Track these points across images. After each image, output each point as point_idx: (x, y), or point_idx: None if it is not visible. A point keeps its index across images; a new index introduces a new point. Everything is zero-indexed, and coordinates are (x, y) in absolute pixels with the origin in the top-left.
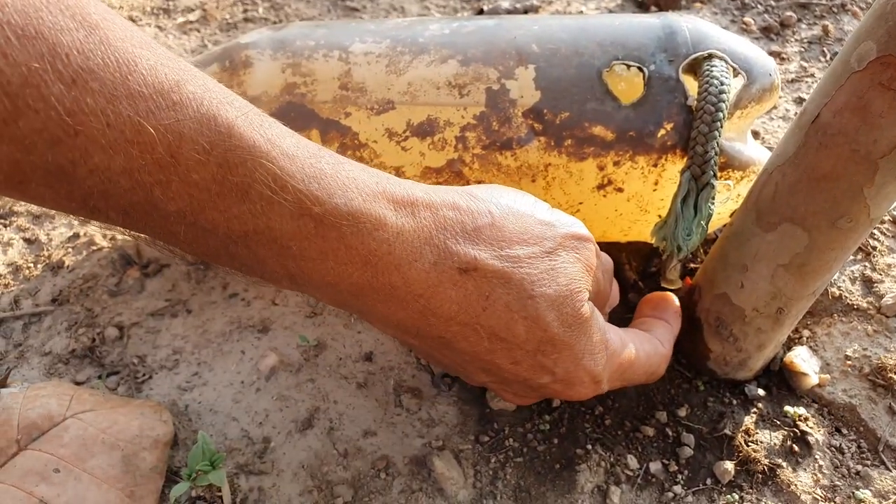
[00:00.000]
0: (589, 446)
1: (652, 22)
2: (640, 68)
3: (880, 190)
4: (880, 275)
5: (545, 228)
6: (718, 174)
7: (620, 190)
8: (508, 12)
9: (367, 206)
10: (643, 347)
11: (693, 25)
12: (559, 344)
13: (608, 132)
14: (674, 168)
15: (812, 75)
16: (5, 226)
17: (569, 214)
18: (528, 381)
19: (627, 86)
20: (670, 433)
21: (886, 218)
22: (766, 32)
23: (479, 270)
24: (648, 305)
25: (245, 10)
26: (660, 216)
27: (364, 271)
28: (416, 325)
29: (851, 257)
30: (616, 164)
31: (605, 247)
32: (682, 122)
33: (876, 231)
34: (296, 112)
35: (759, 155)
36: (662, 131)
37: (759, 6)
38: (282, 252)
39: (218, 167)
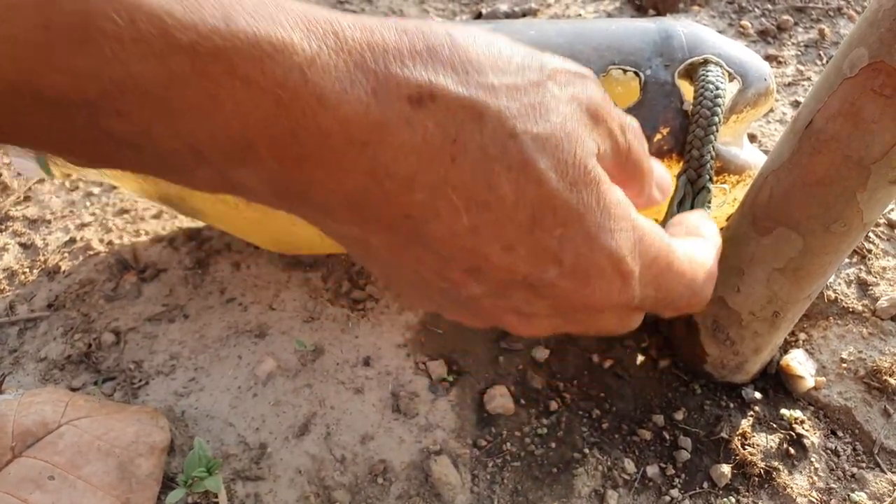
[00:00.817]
0: (586, 450)
1: (648, 27)
2: (636, 73)
3: (873, 195)
4: (875, 278)
5: (528, 58)
6: (714, 178)
7: None
8: (507, 15)
9: (260, 27)
10: (686, 248)
11: (689, 30)
12: (562, 210)
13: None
14: (670, 172)
15: (809, 79)
16: (1, 231)
17: None
18: (530, 278)
19: (624, 90)
20: (667, 436)
21: (882, 221)
22: (763, 36)
23: (437, 99)
24: (679, 227)
25: None
26: (656, 220)
27: (279, 115)
28: (370, 199)
29: (847, 260)
30: None
31: None
32: (678, 127)
33: (871, 234)
34: None
35: (755, 159)
36: (658, 136)
37: (756, 10)
38: (162, 110)
39: (36, 9)
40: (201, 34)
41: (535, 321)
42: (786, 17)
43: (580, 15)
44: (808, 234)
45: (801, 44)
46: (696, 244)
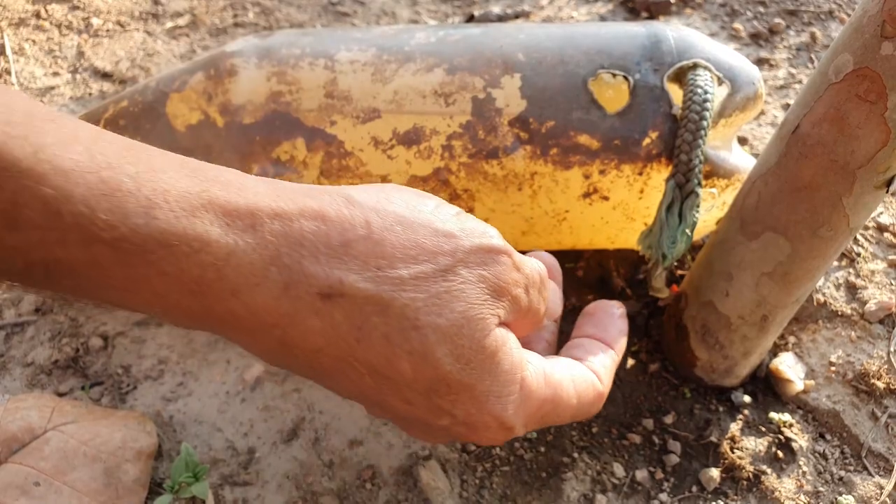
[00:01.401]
0: (575, 454)
1: (637, 30)
2: (625, 77)
3: (858, 200)
4: (864, 281)
5: (443, 241)
6: (703, 182)
7: (606, 198)
8: (500, 17)
9: (180, 224)
10: (573, 383)
11: (678, 34)
12: (455, 385)
13: (593, 141)
14: (659, 176)
15: (800, 82)
16: None
17: (482, 221)
18: (427, 422)
19: (613, 94)
20: (657, 440)
21: (871, 224)
22: (755, 39)
23: (346, 296)
24: (589, 321)
25: (235, 15)
26: (646, 224)
27: (193, 300)
28: (279, 358)
29: (836, 263)
30: (602, 172)
31: (594, 254)
32: (667, 131)
33: (860, 237)
34: (281, 120)
35: (744, 163)
36: (647, 140)
37: (748, 12)
38: (88, 283)
39: None
40: (122, 233)
41: (435, 439)
42: (777, 20)
43: (573, 17)
44: (796, 239)
45: (793, 47)
46: (588, 373)
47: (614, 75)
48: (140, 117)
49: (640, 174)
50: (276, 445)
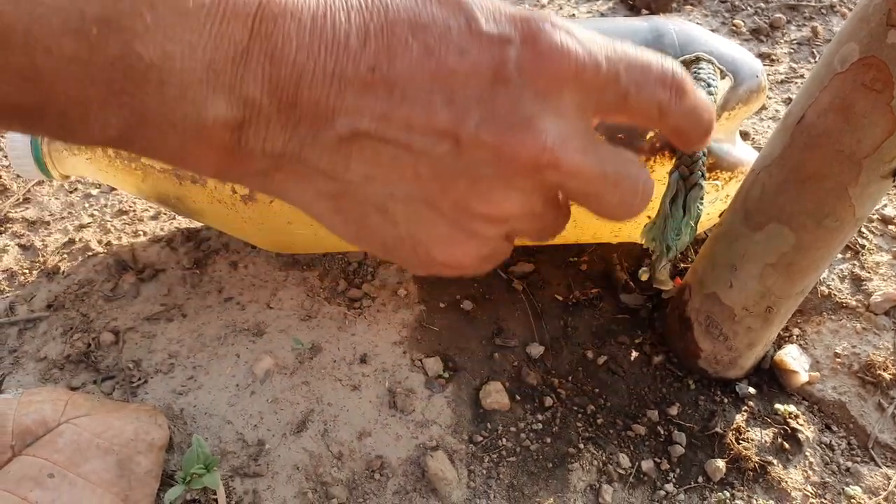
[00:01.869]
0: (581, 445)
1: (640, 25)
2: None
3: (864, 189)
4: (869, 273)
5: None
6: (707, 175)
7: None
8: None
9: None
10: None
11: (680, 28)
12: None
13: (598, 134)
14: (663, 169)
15: (801, 76)
16: (1, 232)
17: None
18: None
19: None
20: (662, 432)
21: (875, 216)
22: (756, 34)
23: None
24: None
25: None
26: (649, 217)
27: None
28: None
29: (840, 256)
30: None
31: (597, 248)
32: None
33: (864, 229)
34: None
35: (747, 156)
36: (651, 133)
37: (748, 8)
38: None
39: None
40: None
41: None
42: (778, 14)
43: (573, 15)
44: (801, 230)
45: (794, 41)
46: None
47: None
48: None
49: (644, 167)
50: (285, 437)
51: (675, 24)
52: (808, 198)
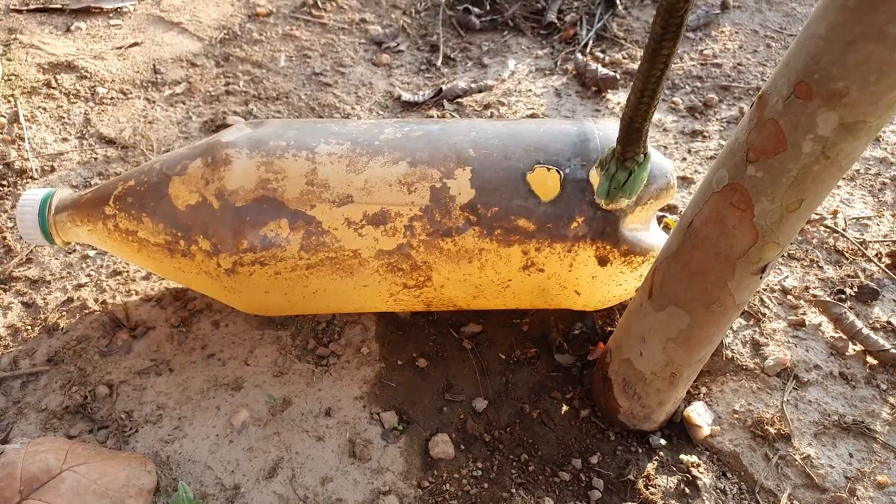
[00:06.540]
0: (514, 490)
1: (570, 129)
2: (557, 171)
3: (740, 283)
4: (766, 339)
5: None
6: (622, 259)
7: (542, 270)
8: (465, 91)
9: None
10: None
11: (604, 133)
12: None
13: (530, 224)
14: (585, 253)
15: None
16: (5, 290)
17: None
18: None
19: (547, 186)
20: (584, 478)
21: (777, 287)
22: (692, 112)
23: None
24: None
25: (227, 84)
26: (577, 292)
27: None
28: None
29: (744, 322)
30: (538, 249)
31: (537, 312)
32: (591, 216)
33: (766, 299)
34: (268, 204)
35: (658, 241)
36: (575, 224)
37: (686, 86)
38: None
39: None
40: None
41: None
42: (712, 94)
43: (531, 90)
44: (693, 312)
45: (724, 120)
46: None
47: (549, 169)
48: (146, 196)
49: (569, 251)
50: (258, 482)
51: (600, 128)
52: (696, 287)
